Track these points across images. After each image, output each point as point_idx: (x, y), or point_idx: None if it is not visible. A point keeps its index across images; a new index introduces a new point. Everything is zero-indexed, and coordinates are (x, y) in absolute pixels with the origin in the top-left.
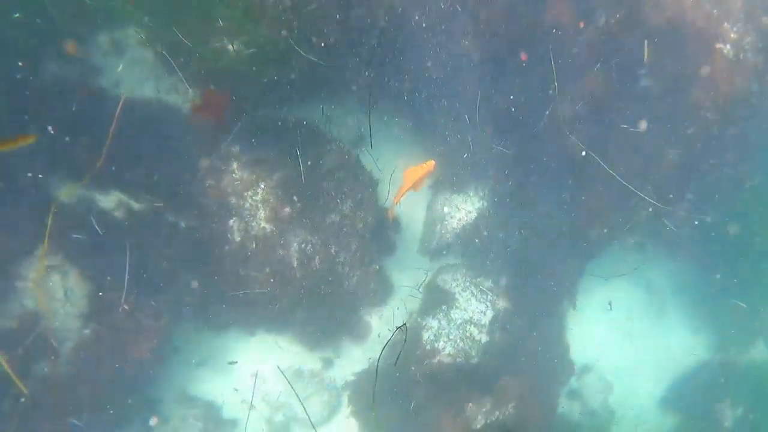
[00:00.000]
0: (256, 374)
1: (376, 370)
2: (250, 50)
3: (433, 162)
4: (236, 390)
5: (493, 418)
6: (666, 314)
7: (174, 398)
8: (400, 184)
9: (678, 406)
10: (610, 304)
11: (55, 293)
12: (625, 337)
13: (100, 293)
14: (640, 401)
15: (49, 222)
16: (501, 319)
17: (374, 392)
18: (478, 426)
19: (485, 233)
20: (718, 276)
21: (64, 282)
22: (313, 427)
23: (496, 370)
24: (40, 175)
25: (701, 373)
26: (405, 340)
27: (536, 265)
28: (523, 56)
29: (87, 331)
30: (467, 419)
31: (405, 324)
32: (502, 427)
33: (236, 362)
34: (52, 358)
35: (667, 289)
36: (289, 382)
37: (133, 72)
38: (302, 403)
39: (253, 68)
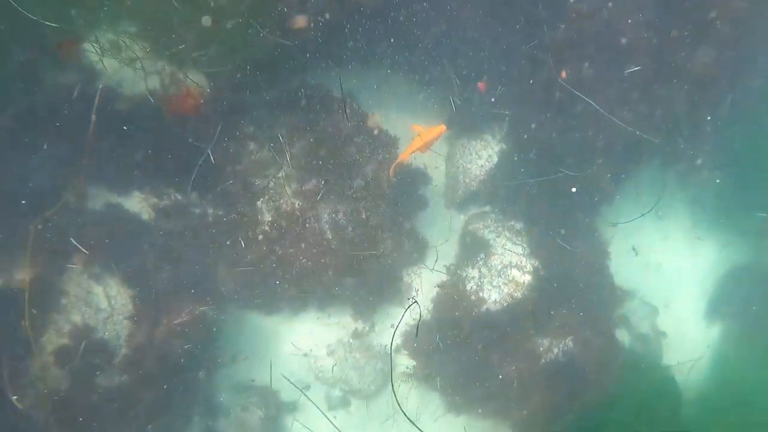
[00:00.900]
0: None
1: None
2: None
3: (444, 127)
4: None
5: (554, 355)
6: (694, 241)
7: (231, 389)
8: (409, 143)
9: (722, 316)
10: (634, 249)
11: (99, 304)
12: (658, 266)
13: (143, 295)
14: (687, 318)
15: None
16: (540, 258)
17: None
18: (541, 364)
19: (509, 176)
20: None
21: (106, 291)
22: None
23: (546, 308)
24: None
25: (741, 281)
26: (420, 315)
27: (566, 199)
28: None
29: (138, 337)
30: (529, 358)
31: (415, 300)
32: (564, 362)
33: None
34: (109, 368)
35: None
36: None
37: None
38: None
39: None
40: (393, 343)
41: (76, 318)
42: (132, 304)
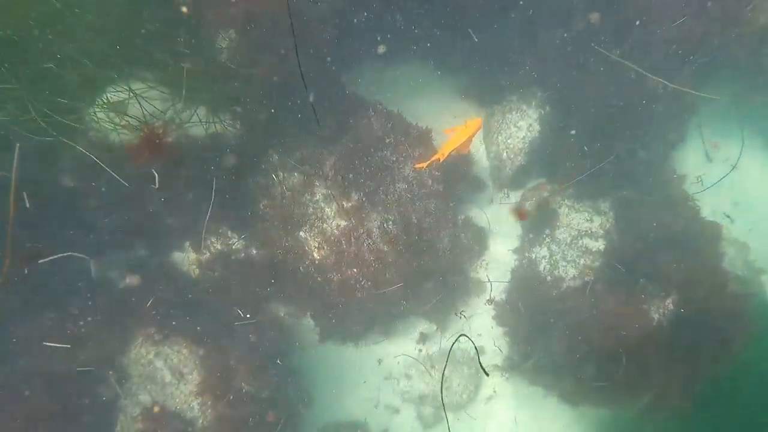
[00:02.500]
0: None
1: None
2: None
3: (479, 120)
4: (377, 401)
5: (666, 309)
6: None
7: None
8: (442, 143)
9: None
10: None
11: (164, 379)
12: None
13: (206, 358)
14: None
15: None
16: (612, 219)
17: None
18: (655, 323)
19: (556, 141)
20: None
21: (168, 363)
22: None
23: (632, 268)
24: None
25: None
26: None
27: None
28: None
29: (209, 403)
30: (641, 317)
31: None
32: (679, 315)
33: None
34: None
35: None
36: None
37: None
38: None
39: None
40: (479, 345)
41: (145, 398)
42: (197, 371)
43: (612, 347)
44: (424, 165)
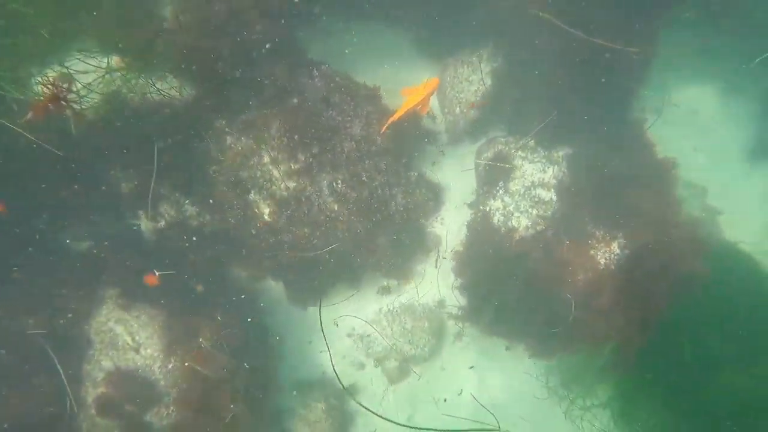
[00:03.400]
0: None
1: None
2: None
3: (437, 80)
4: (343, 357)
5: (619, 256)
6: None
7: (290, 388)
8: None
9: None
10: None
11: (126, 343)
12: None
13: (168, 322)
14: (736, 187)
15: None
16: (566, 166)
17: None
18: (602, 267)
19: (510, 92)
20: None
21: (127, 328)
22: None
23: (586, 217)
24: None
25: None
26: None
27: (579, 97)
28: None
29: (170, 365)
30: (588, 270)
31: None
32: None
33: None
34: (158, 408)
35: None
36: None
37: None
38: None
39: None
40: (436, 299)
41: (107, 363)
42: (157, 335)
43: (562, 294)
44: (383, 127)
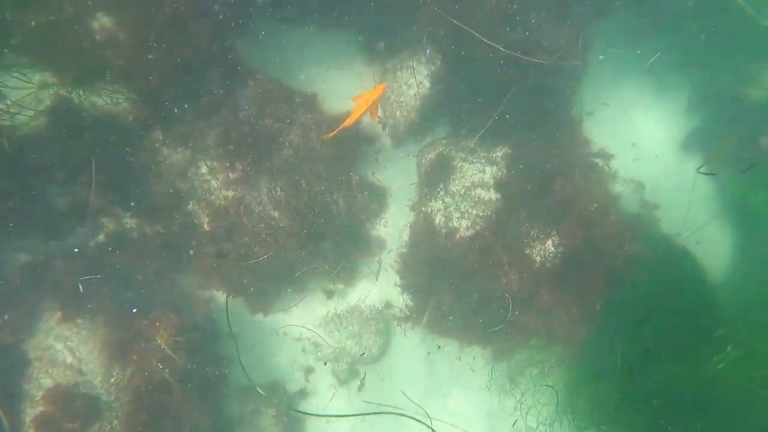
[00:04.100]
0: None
1: None
2: None
3: (384, 85)
4: (293, 362)
5: (554, 252)
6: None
7: (237, 396)
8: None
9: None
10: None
11: (65, 360)
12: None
13: (109, 336)
14: (669, 180)
15: None
16: (504, 166)
17: None
18: (537, 265)
19: (449, 94)
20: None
21: (67, 345)
22: None
23: (526, 215)
24: None
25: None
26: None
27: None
28: None
29: (113, 379)
30: (525, 267)
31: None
32: (571, 255)
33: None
34: (100, 423)
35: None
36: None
37: None
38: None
39: None
40: (383, 300)
41: (47, 381)
42: (98, 350)
43: (500, 293)
44: (332, 134)
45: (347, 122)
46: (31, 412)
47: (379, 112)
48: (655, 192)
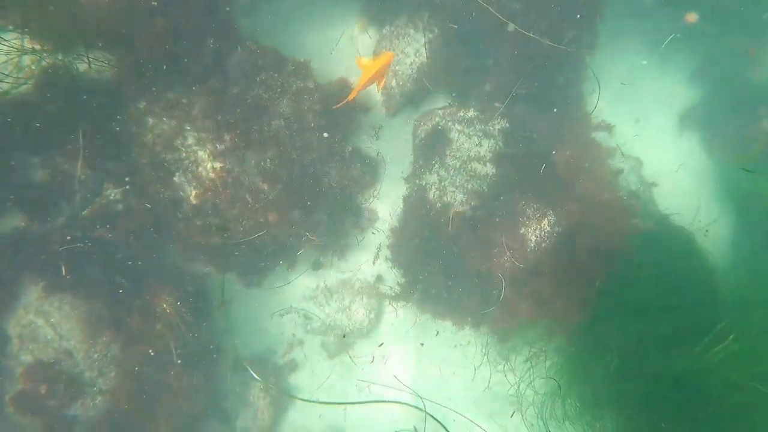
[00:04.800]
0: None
1: None
2: None
3: (391, 54)
4: (282, 333)
5: (549, 232)
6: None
7: (227, 369)
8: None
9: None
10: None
11: (46, 336)
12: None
13: (93, 312)
14: (668, 157)
15: None
16: (502, 139)
17: None
18: (533, 244)
19: (447, 64)
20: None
21: (48, 320)
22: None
23: (522, 191)
24: None
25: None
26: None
27: (517, 70)
28: None
29: (96, 355)
30: (519, 245)
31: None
32: (567, 235)
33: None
34: (83, 400)
35: None
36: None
37: None
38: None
39: None
40: (374, 274)
41: (27, 358)
42: (80, 326)
43: (493, 272)
44: (340, 105)
45: (354, 93)
46: (10, 389)
47: (385, 83)
48: (655, 171)
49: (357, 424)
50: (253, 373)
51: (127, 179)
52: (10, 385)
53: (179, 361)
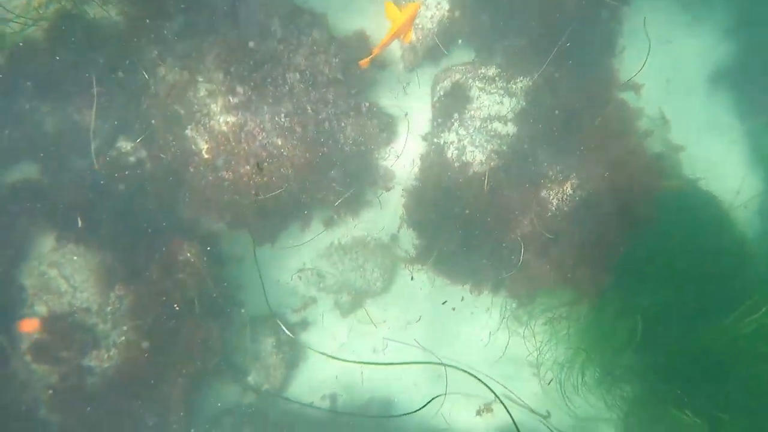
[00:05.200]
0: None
1: None
2: None
3: (418, 4)
4: (295, 291)
5: (572, 195)
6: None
7: (240, 324)
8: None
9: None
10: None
11: (59, 288)
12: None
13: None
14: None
15: None
16: (525, 98)
17: None
18: (554, 208)
19: (469, 19)
20: None
21: (61, 272)
22: None
23: (544, 152)
24: None
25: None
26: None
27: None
28: None
29: (109, 308)
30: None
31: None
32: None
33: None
34: (97, 351)
35: None
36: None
37: None
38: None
39: None
40: (389, 234)
41: (41, 308)
42: (94, 277)
43: (512, 236)
44: (368, 60)
45: (380, 47)
46: (27, 339)
47: (412, 36)
48: (683, 134)
49: (374, 387)
50: (285, 328)
51: (138, 130)
52: (26, 334)
53: (197, 312)
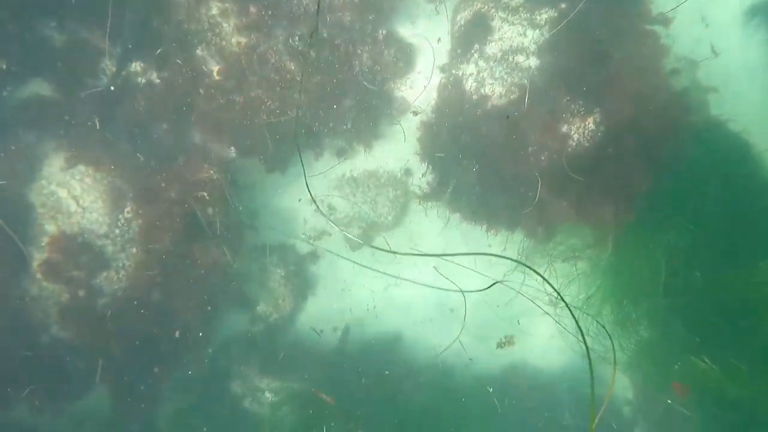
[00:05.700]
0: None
1: None
2: None
3: None
4: (305, 222)
5: (591, 129)
6: None
7: (247, 252)
8: None
9: None
10: None
11: (69, 208)
12: None
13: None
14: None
15: None
16: (548, 30)
17: None
18: (575, 143)
19: None
20: None
21: (71, 192)
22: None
23: (563, 88)
24: None
25: None
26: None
27: None
28: None
29: (117, 231)
30: (559, 142)
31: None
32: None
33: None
34: (107, 272)
35: None
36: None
37: None
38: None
39: None
40: (402, 167)
41: (51, 228)
42: (103, 199)
43: (530, 171)
44: None
45: None
46: (38, 257)
47: None
48: (715, 73)
49: (382, 321)
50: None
51: (149, 51)
52: (37, 252)
53: (219, 232)
